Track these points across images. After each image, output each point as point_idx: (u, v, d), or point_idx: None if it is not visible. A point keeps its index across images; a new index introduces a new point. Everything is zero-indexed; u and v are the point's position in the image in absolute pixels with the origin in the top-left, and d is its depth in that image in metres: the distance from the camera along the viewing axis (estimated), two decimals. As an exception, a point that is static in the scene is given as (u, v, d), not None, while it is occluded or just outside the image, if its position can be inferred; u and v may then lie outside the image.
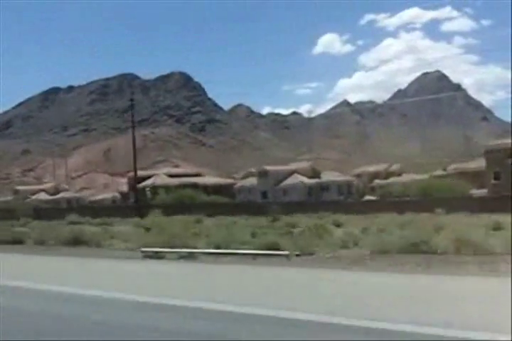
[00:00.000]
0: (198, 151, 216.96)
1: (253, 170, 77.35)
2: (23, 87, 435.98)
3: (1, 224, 35.09)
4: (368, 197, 71.88)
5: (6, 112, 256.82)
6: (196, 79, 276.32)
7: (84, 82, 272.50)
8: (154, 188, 71.08)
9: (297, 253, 11.83)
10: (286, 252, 11.80)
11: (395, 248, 13.23)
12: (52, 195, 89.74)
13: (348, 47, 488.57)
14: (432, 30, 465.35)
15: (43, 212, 42.33)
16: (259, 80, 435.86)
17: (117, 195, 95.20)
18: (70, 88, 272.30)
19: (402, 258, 11.81)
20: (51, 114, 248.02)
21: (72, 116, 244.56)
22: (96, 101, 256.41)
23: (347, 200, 61.98)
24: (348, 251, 13.64)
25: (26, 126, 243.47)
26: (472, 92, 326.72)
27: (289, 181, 69.43)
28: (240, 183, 78.28)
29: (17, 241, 20.08)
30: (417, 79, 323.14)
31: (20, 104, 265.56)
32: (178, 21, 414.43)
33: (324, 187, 68.15)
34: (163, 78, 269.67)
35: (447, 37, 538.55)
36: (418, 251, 12.79)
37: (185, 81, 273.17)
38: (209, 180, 79.31)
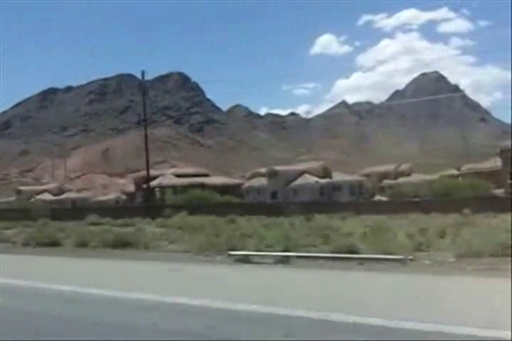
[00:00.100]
0: (196, 152, 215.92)
1: (263, 170, 76.33)
2: (22, 87, 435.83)
3: (19, 224, 34.02)
4: (377, 197, 71.18)
5: (4, 112, 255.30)
6: (194, 79, 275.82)
7: (82, 82, 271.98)
8: (162, 188, 70.08)
9: (411, 257, 10.82)
10: (400, 256, 10.77)
11: (486, 251, 12.28)
12: (55, 195, 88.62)
13: (346, 48, 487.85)
14: (429, 31, 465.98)
15: (59, 213, 41.16)
16: (257, 80, 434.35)
17: (120, 195, 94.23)
18: (69, 88, 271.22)
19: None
20: (50, 114, 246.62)
21: (70, 116, 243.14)
22: (95, 102, 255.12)
23: (358, 200, 61.19)
24: (435, 254, 12.64)
25: (25, 126, 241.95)
26: (469, 93, 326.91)
27: (300, 181, 68.52)
28: (248, 183, 77.28)
29: (55, 244, 18.98)
30: (415, 80, 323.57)
31: (18, 104, 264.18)
32: (176, 22, 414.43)
33: (336, 187, 67.27)
34: (162, 78, 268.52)
35: (444, 38, 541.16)
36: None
37: (184, 81, 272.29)
38: (217, 180, 78.27)
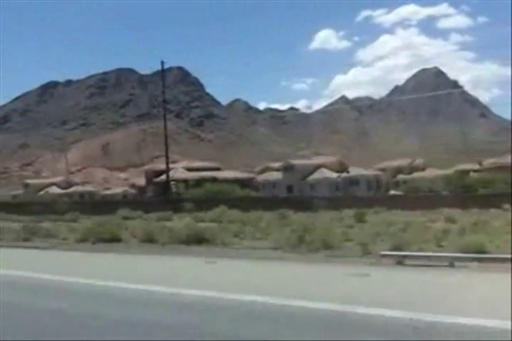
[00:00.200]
0: (196, 146, 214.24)
1: (276, 164, 75.08)
2: (21, 81, 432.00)
3: (44, 218, 32.70)
4: (392, 192, 70.18)
5: (3, 106, 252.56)
6: (194, 74, 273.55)
7: (82, 76, 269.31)
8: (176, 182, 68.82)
9: None
10: None
11: None
12: (63, 188, 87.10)
13: (345, 43, 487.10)
14: (428, 27, 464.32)
15: (82, 207, 39.80)
16: (256, 75, 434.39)
17: (128, 189, 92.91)
18: (68, 82, 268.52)
19: None
20: (49, 108, 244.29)
21: (70, 110, 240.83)
22: (94, 95, 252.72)
23: (376, 195, 60.11)
24: None
25: (24, 120, 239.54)
26: (468, 89, 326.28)
27: (316, 175, 67.32)
28: (260, 177, 76.02)
29: (116, 239, 17.63)
30: (415, 76, 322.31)
31: (17, 98, 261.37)
32: (176, 17, 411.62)
33: (353, 182, 66.11)
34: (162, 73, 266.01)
35: (444, 34, 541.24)
36: None
37: (183, 76, 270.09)
38: (228, 174, 76.99)
